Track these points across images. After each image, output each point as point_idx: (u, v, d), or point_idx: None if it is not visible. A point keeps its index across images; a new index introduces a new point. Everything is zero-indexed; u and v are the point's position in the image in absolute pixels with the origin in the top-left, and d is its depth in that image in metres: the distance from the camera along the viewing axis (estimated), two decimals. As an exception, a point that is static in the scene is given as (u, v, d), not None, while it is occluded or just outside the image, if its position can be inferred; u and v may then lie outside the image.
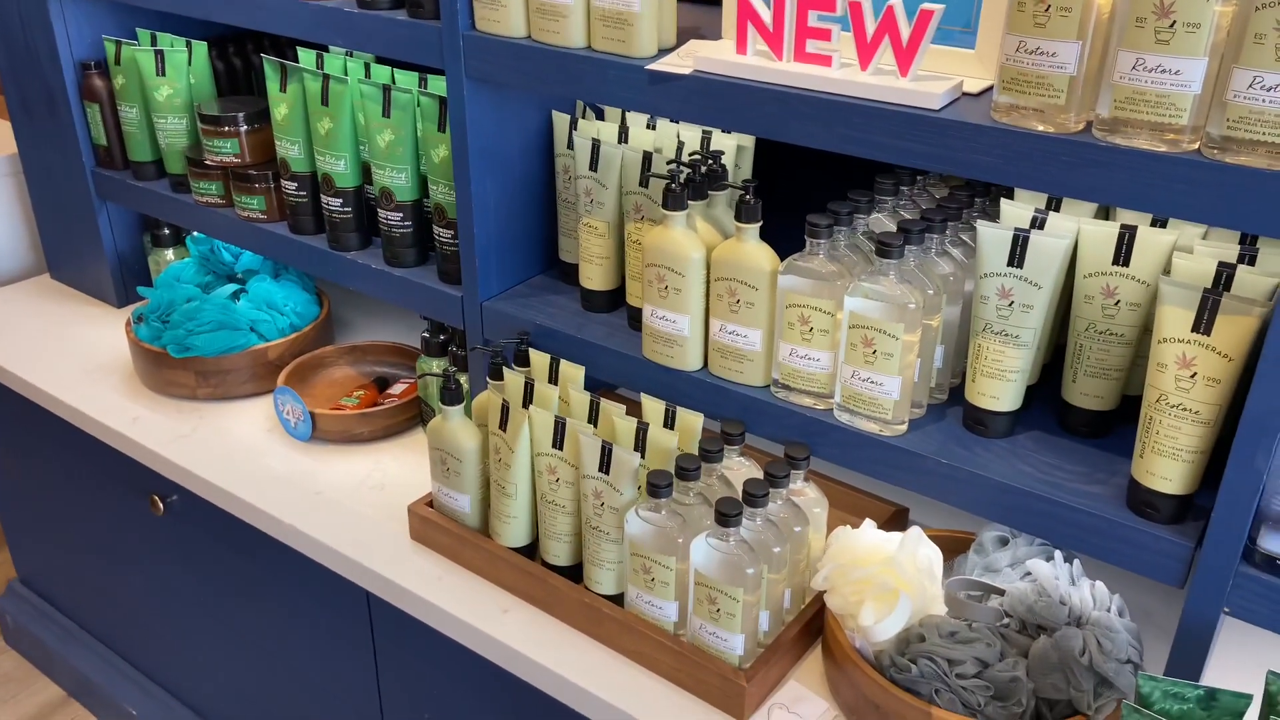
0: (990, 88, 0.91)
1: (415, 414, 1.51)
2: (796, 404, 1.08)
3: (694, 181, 1.11)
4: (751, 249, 1.06)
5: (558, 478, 1.13)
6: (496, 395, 1.17)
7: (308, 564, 1.33)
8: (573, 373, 1.20)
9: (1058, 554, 1.01)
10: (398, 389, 1.57)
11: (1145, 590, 1.11)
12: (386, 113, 1.32)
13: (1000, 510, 0.97)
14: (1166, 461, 0.86)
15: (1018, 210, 0.99)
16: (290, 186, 1.48)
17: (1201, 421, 0.84)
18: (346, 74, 1.40)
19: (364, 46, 1.25)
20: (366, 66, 1.43)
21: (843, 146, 0.93)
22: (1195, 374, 0.83)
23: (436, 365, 1.44)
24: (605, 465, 1.07)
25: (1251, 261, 0.89)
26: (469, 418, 1.23)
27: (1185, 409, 0.84)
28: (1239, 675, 0.97)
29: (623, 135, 1.25)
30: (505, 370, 1.21)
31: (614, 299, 1.28)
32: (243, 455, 1.46)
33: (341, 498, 1.37)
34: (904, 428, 1.02)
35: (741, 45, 0.99)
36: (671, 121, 1.24)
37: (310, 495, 1.37)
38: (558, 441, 1.12)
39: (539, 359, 1.23)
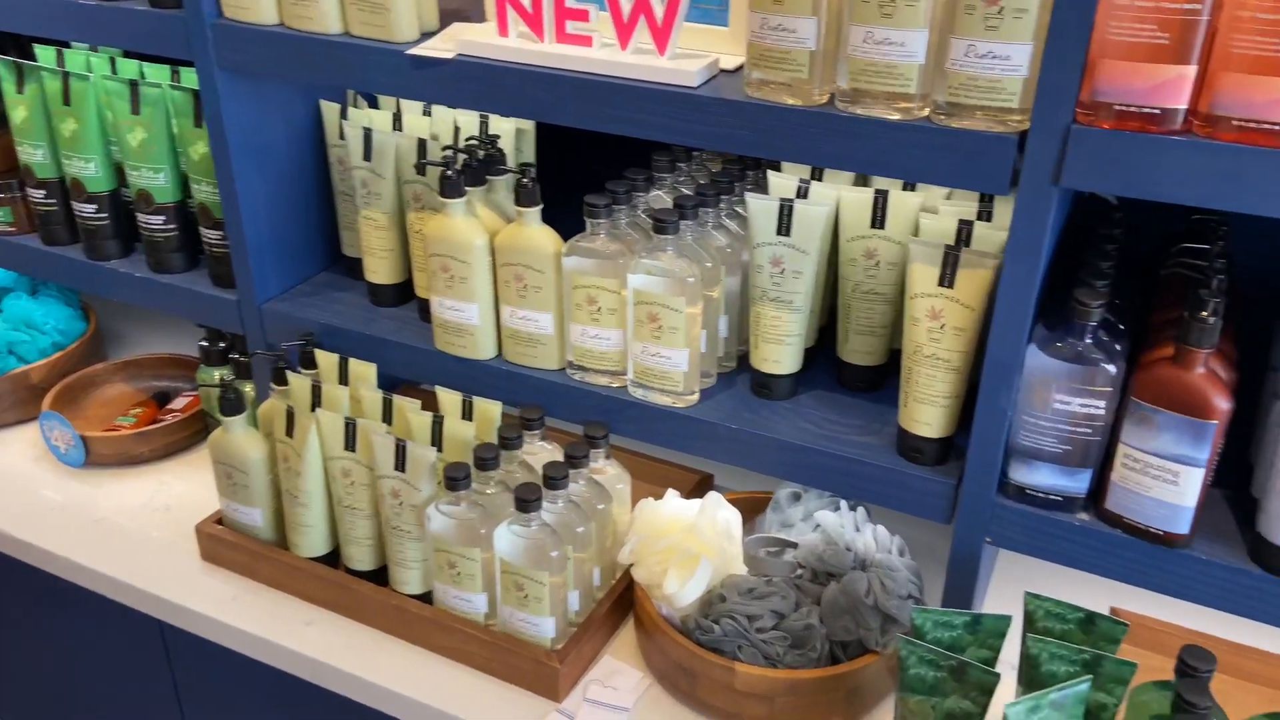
0: (744, 64, 0.94)
1: (200, 429, 1.43)
2: (592, 384, 1.09)
3: (471, 167, 1.09)
4: (534, 233, 1.05)
5: (353, 480, 1.09)
6: (281, 401, 1.12)
7: (93, 599, 1.23)
8: (363, 371, 1.17)
9: (843, 504, 1.07)
10: (179, 403, 1.47)
11: (924, 529, 1.19)
12: (136, 110, 1.23)
13: (788, 468, 1.01)
14: (926, 408, 0.93)
15: (784, 181, 1.03)
16: (38, 195, 1.35)
17: (953, 369, 0.90)
18: (90, 70, 1.29)
19: (107, 40, 1.16)
20: (112, 61, 1.32)
21: (610, 126, 0.94)
22: (944, 325, 0.89)
23: (218, 375, 1.36)
24: (401, 463, 1.05)
25: (988, 218, 0.96)
26: (254, 427, 1.17)
27: (938, 358, 0.90)
28: (1011, 600, 1.05)
29: (397, 123, 1.21)
30: (289, 374, 1.15)
31: (402, 292, 1.25)
32: (10, 488, 1.33)
33: (124, 523, 1.27)
34: (695, 398, 1.05)
35: (503, 27, 0.98)
36: (447, 107, 1.22)
37: (89, 525, 1.27)
38: (349, 443, 1.08)
39: (326, 360, 1.18)
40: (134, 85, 1.22)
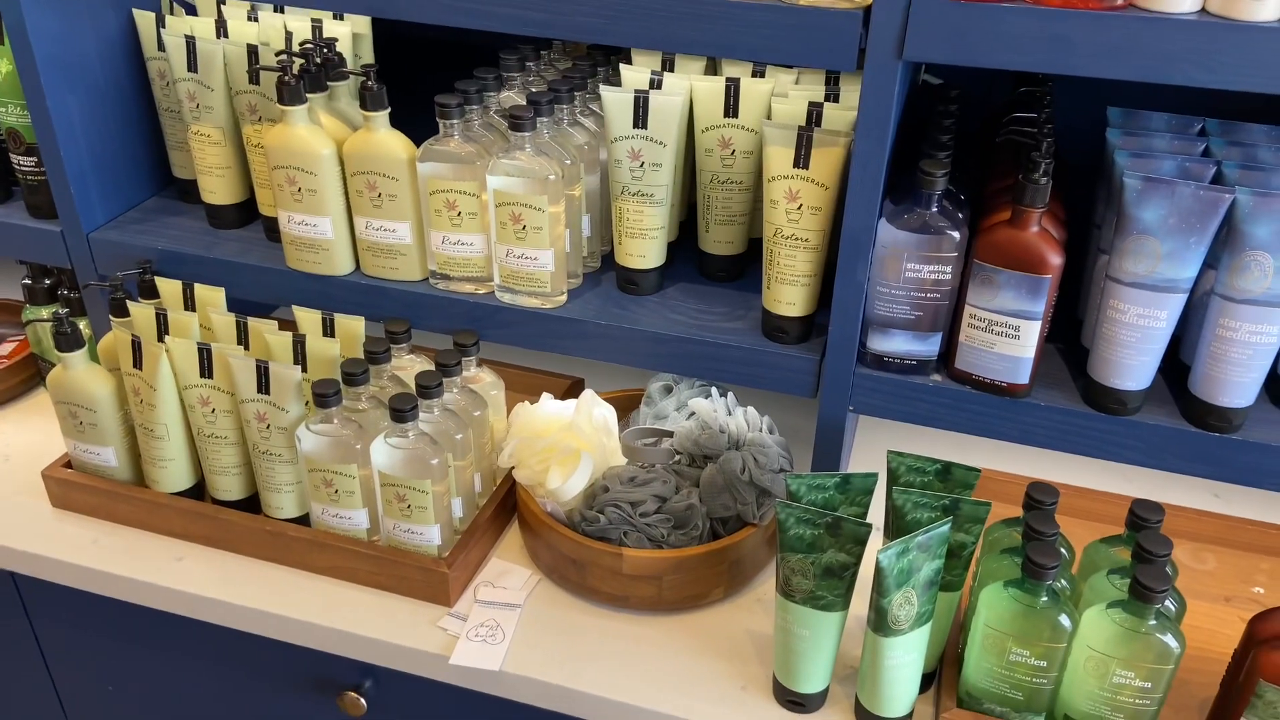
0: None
1: (33, 372, 1.33)
2: (458, 292, 1.08)
3: (309, 72, 1.04)
4: (384, 138, 1.02)
5: (213, 408, 1.05)
6: (125, 332, 1.05)
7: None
8: (211, 296, 1.11)
9: (714, 390, 1.11)
10: (4, 349, 1.37)
11: (791, 410, 1.25)
12: (-82, 23, 1.10)
13: (660, 359, 1.03)
14: (788, 288, 0.96)
15: (636, 74, 1.03)
16: None
17: (811, 248, 0.94)
18: None
19: None
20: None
21: (456, 19, 0.91)
22: (801, 205, 0.92)
23: (46, 312, 1.27)
24: (264, 385, 1.01)
25: (836, 99, 0.99)
26: (96, 362, 1.10)
27: (798, 238, 0.94)
28: (875, 463, 1.12)
29: (220, 30, 1.14)
30: (130, 305, 1.09)
31: (245, 211, 1.19)
32: None
33: (-45, 480, 1.18)
34: (563, 298, 1.05)
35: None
36: (275, 11, 1.15)
37: (-86, 487, 1.18)
38: (206, 370, 1.04)
39: (169, 287, 1.12)
40: (-89, -4, 1.09)
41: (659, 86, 1.02)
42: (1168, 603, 0.81)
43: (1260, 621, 0.82)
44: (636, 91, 0.98)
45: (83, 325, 1.24)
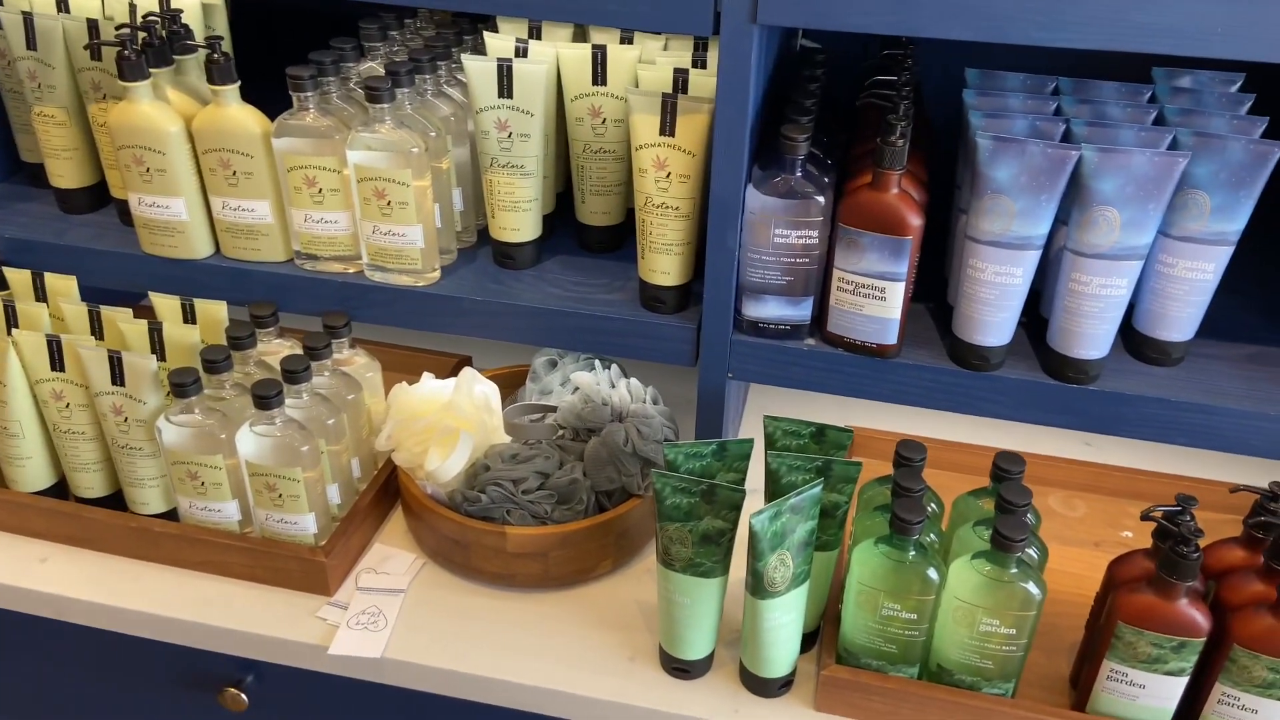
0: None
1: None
2: (326, 272, 1.04)
3: (153, 46, 0.98)
4: (234, 113, 0.97)
5: (67, 403, 1.00)
6: (-34, 327, 0.99)
7: None
8: (62, 285, 1.05)
9: (597, 363, 1.10)
10: None
11: (675, 379, 1.24)
12: None
13: (539, 333, 1.02)
14: (662, 257, 0.95)
15: (501, 42, 1.00)
16: None
17: (682, 216, 0.93)
18: None
19: None
20: None
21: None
22: (669, 174, 0.91)
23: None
24: (118, 376, 0.96)
25: (703, 65, 0.98)
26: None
27: (668, 207, 0.93)
28: (757, 428, 1.13)
29: (61, 3, 1.07)
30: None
31: (97, 195, 1.13)
32: None
33: None
34: (436, 274, 1.03)
35: (167, -120, 0.87)
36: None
37: None
38: (56, 363, 0.98)
39: (17, 277, 1.06)
40: None
41: (524, 55, 1.00)
42: (1030, 551, 0.83)
43: (1118, 565, 0.85)
44: (500, 60, 0.95)
45: (-74, 321, 1.17)
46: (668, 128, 0.90)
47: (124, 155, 0.99)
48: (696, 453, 0.87)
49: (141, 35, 0.98)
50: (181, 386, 0.93)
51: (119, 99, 1.03)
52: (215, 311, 1.03)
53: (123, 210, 1.10)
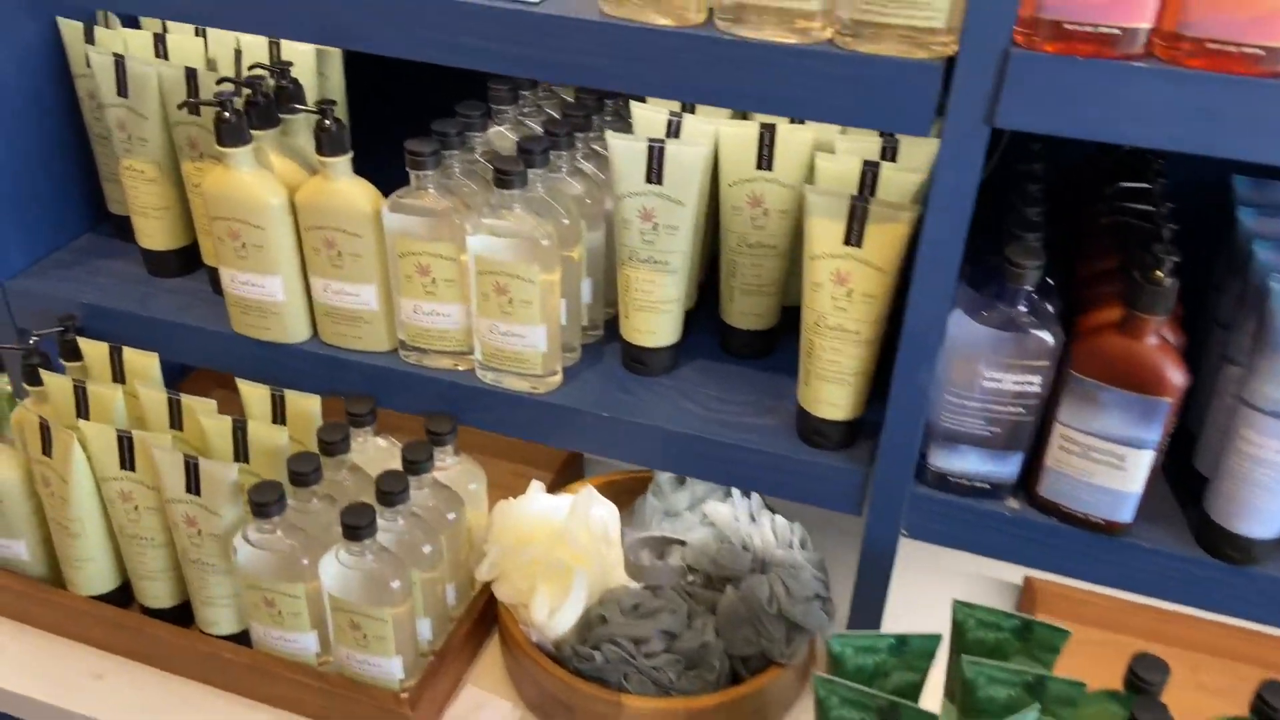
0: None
1: (-51, 430, 1.16)
2: (432, 367, 0.90)
3: (258, 105, 0.86)
4: (344, 188, 0.84)
5: (136, 505, 0.88)
6: (34, 410, 0.88)
7: None
8: (142, 363, 0.94)
9: (735, 491, 0.93)
10: (-80, 399, 1.20)
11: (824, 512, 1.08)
12: None
13: (672, 459, 0.86)
14: (831, 387, 0.79)
15: (650, 115, 0.85)
16: None
17: (862, 341, 0.76)
18: None
19: None
20: None
21: (427, 53, 0.74)
22: (851, 291, 0.75)
23: (-36, 367, 1.10)
24: (194, 484, 0.84)
25: (893, 155, 0.81)
26: (3, 443, 0.93)
27: (845, 330, 0.76)
28: (916, 587, 0.95)
29: (160, 46, 0.96)
30: (44, 373, 0.92)
31: (187, 258, 1.01)
32: None
33: None
34: (558, 379, 0.88)
35: (282, -79, 0.75)
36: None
37: None
38: (126, 461, 0.87)
39: (94, 351, 0.95)
40: None
41: (677, 133, 0.85)
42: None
43: None
44: (651, 141, 0.80)
45: (2, 383, 1.07)
46: (854, 237, 0.73)
47: (219, 227, 0.87)
48: (870, 646, 0.70)
49: (245, 92, 0.86)
50: (263, 506, 0.80)
51: (216, 160, 0.91)
52: (307, 406, 0.90)
53: (214, 277, 0.98)
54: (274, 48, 0.96)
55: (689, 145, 0.80)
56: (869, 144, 0.82)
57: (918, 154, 0.80)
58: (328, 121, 0.82)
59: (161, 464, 0.84)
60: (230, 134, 0.83)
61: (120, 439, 0.85)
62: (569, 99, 0.98)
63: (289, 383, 0.94)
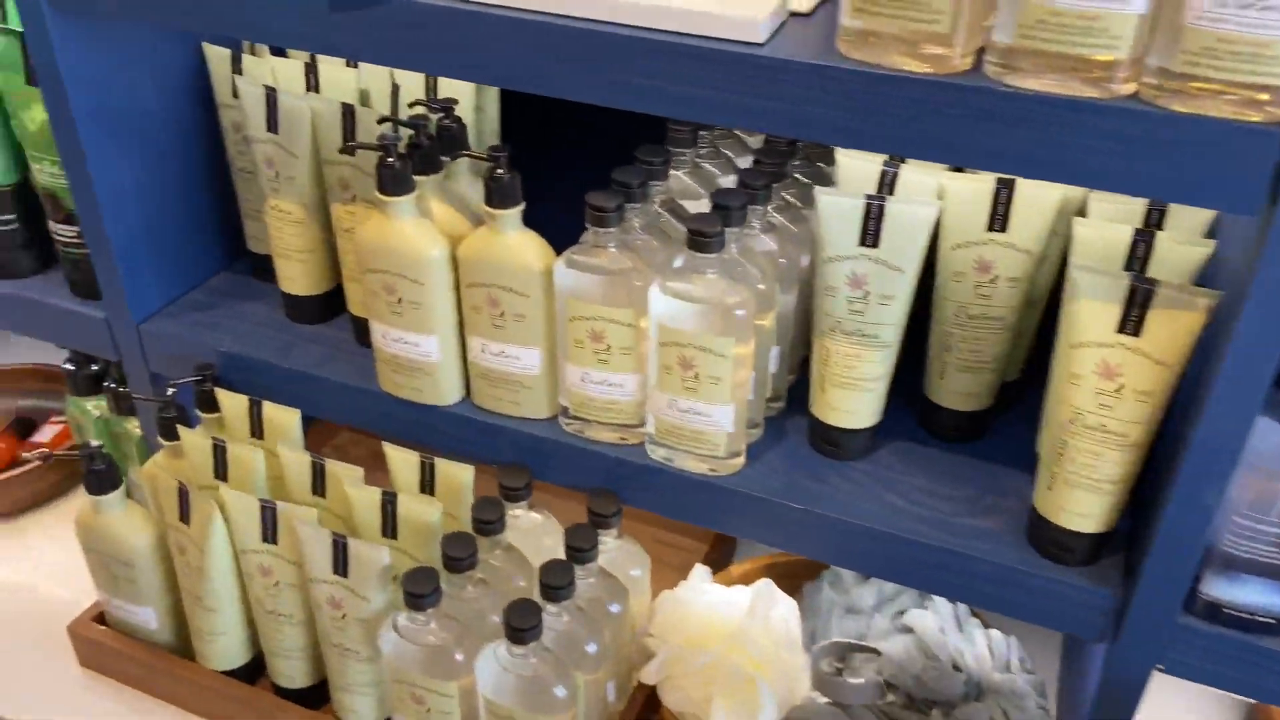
0: (823, 1, 0.65)
1: (75, 467, 1.12)
2: (596, 440, 0.81)
3: (419, 147, 0.78)
4: (513, 243, 0.75)
5: (276, 581, 0.81)
6: (170, 472, 0.82)
7: (-66, 715, 0.94)
8: (282, 420, 0.87)
9: (937, 597, 0.82)
10: (47, 433, 1.16)
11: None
12: (-59, 59, 0.88)
13: (871, 561, 0.75)
14: (1083, 495, 0.67)
15: (858, 165, 0.75)
16: None
17: (1129, 445, 0.64)
18: None
19: None
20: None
21: (624, 100, 0.64)
22: (1122, 387, 0.63)
23: (90, 406, 1.05)
24: (341, 565, 0.76)
25: (1159, 221, 0.69)
26: (133, 500, 0.87)
27: (1108, 430, 0.64)
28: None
29: (311, 77, 0.89)
30: (182, 431, 0.85)
31: (330, 303, 0.94)
32: None
33: (-27, 613, 0.97)
34: (740, 461, 0.78)
35: (466, -52, 0.66)
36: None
37: (-73, 614, 0.97)
38: (268, 533, 0.79)
39: (232, 404, 0.88)
40: (-67, 26, 0.87)
41: (893, 187, 0.74)
42: None
43: None
44: (868, 199, 0.69)
45: (131, 426, 1.02)
46: (1132, 324, 0.61)
47: (373, 280, 0.79)
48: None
49: (407, 133, 0.78)
50: (418, 598, 0.72)
51: (369, 203, 0.83)
52: (459, 477, 0.82)
53: (359, 327, 0.91)
54: (430, 80, 0.89)
55: (914, 204, 0.69)
56: (1130, 206, 0.69)
57: (1192, 220, 0.68)
58: (500, 171, 0.73)
59: (307, 540, 0.76)
60: (393, 182, 0.75)
61: (263, 509, 0.78)
62: (750, 140, 0.88)
63: (436, 445, 0.86)
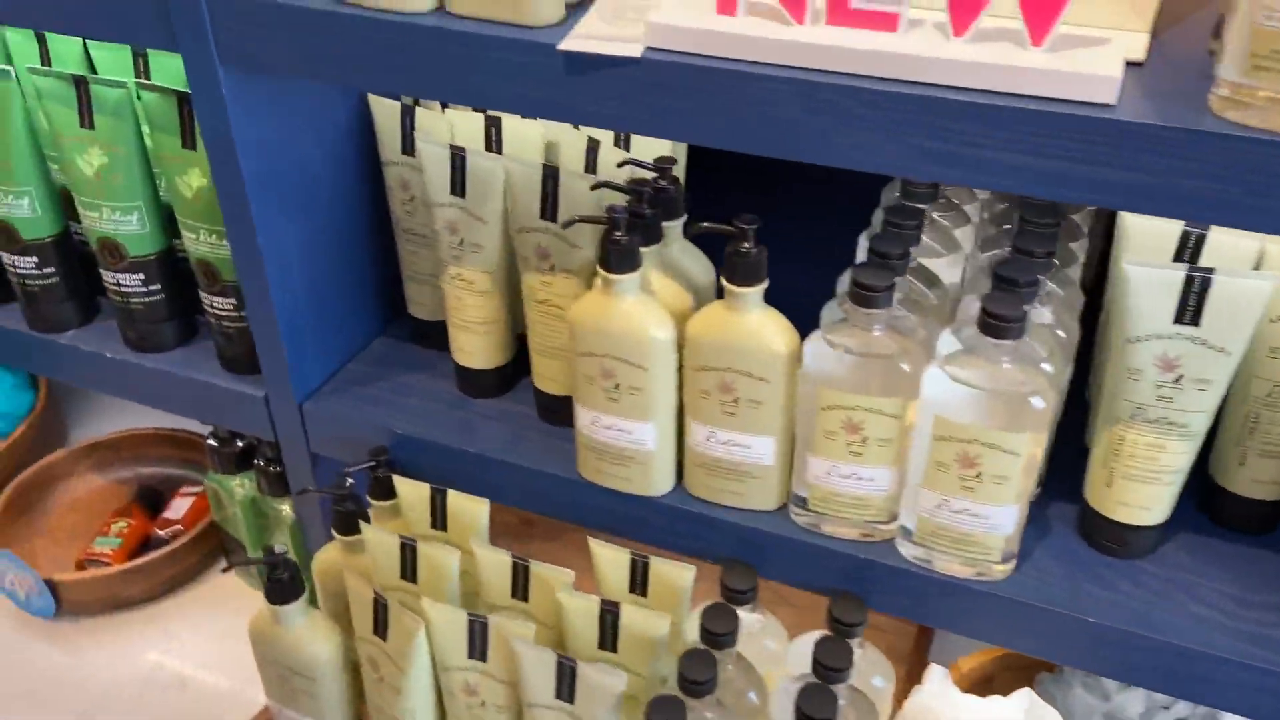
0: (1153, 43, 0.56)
1: (213, 546, 1.04)
2: (835, 536, 0.72)
3: (640, 217, 0.69)
4: (754, 323, 0.67)
5: (482, 701, 0.72)
6: (363, 583, 0.74)
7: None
8: (470, 511, 0.79)
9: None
10: (178, 508, 1.08)
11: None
12: (87, 121, 0.80)
13: (1176, 681, 0.65)
14: None
15: (1155, 227, 0.65)
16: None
17: None
18: (9, 60, 0.86)
19: (23, 19, 0.73)
20: (41, 41, 0.89)
21: (930, 170, 0.55)
22: None
23: (236, 484, 0.97)
24: (566, 690, 0.68)
25: None
26: (313, 607, 0.79)
27: None
28: None
29: (492, 133, 0.80)
30: (365, 528, 0.77)
31: (509, 376, 0.86)
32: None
33: (121, 715, 0.90)
34: (1010, 567, 0.68)
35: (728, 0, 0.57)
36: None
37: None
38: (477, 650, 0.71)
39: (412, 492, 0.80)
40: (81, 85, 0.79)
41: (1196, 252, 0.64)
42: None
43: None
44: (1191, 270, 0.59)
45: (284, 509, 0.94)
46: None
47: (588, 364, 0.70)
48: None
49: (622, 198, 0.69)
50: (667, 737, 0.63)
51: (570, 273, 0.74)
52: (675, 578, 0.73)
53: (547, 405, 0.82)
54: (620, 135, 0.80)
55: (1245, 277, 0.60)
56: None
57: None
58: (746, 245, 0.64)
59: (525, 661, 0.68)
60: (622, 259, 0.66)
61: (472, 624, 0.70)
62: (994, 198, 0.79)
63: (640, 538, 0.77)
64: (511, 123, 0.80)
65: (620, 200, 0.69)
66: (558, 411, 0.82)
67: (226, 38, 0.68)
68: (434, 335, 0.90)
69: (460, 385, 0.87)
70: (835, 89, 0.54)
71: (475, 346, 0.83)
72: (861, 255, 0.76)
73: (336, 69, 0.66)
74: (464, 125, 0.80)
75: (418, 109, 0.81)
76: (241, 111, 0.72)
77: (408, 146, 0.81)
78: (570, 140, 0.79)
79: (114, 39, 0.75)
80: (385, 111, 0.82)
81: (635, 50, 0.58)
